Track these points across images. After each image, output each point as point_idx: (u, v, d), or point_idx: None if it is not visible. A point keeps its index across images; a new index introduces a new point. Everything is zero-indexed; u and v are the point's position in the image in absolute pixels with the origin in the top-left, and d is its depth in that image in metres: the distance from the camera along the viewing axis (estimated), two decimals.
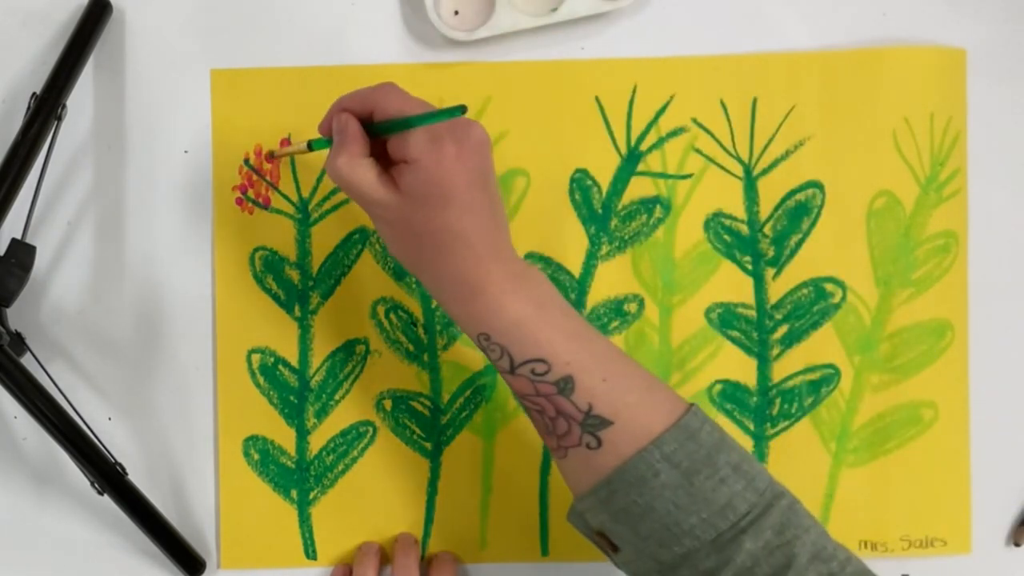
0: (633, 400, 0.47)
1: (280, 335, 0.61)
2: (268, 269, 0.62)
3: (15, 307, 0.57)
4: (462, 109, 0.45)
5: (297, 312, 0.62)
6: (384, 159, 0.49)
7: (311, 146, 0.53)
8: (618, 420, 0.46)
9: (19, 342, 0.59)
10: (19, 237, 0.57)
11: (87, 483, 0.58)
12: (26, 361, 0.58)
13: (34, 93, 0.59)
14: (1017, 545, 0.62)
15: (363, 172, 0.48)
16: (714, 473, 0.45)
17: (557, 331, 0.47)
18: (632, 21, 0.62)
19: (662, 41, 0.62)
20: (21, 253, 0.56)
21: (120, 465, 0.58)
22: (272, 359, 0.61)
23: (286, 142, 0.61)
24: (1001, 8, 0.62)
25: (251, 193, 0.62)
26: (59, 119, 0.58)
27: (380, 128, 0.48)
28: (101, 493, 0.58)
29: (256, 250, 0.62)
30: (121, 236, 0.62)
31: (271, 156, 0.61)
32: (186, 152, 0.62)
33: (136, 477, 0.59)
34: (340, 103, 0.50)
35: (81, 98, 0.61)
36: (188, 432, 0.62)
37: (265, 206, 0.62)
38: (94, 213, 0.62)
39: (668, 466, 0.45)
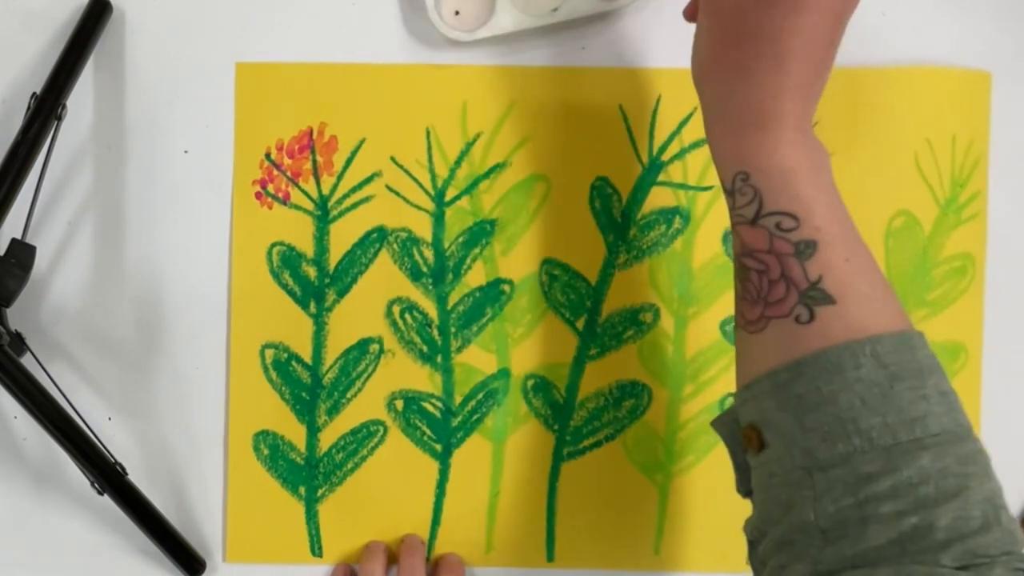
0: (866, 291, 0.42)
1: (295, 331, 0.61)
2: (285, 264, 0.62)
3: (15, 307, 0.57)
4: None
5: (312, 309, 0.62)
6: None
7: None
8: (842, 302, 0.42)
9: (19, 342, 0.58)
10: (19, 237, 0.57)
11: (87, 483, 0.58)
12: (26, 361, 0.57)
13: (34, 93, 0.58)
14: None
15: None
16: (919, 386, 0.41)
17: (822, 195, 0.44)
18: (633, 21, 0.62)
19: (662, 42, 0.62)
20: (21, 253, 0.56)
21: (120, 465, 0.58)
22: (286, 355, 0.61)
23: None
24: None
25: (271, 188, 0.62)
26: (59, 119, 0.58)
27: None
28: (101, 493, 0.57)
29: (274, 245, 0.61)
30: (121, 236, 0.62)
31: None
32: (186, 152, 0.62)
33: (136, 477, 0.59)
34: None
35: (81, 98, 0.61)
36: (189, 431, 0.62)
37: (284, 201, 0.62)
38: (94, 213, 0.62)
39: (874, 363, 0.41)
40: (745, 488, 0.47)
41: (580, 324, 0.62)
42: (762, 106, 0.44)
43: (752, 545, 0.45)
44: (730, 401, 0.61)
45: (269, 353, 0.61)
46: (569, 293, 0.62)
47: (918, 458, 0.40)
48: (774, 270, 0.43)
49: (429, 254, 0.62)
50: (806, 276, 0.43)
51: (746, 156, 0.45)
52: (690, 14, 0.51)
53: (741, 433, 0.45)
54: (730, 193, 0.46)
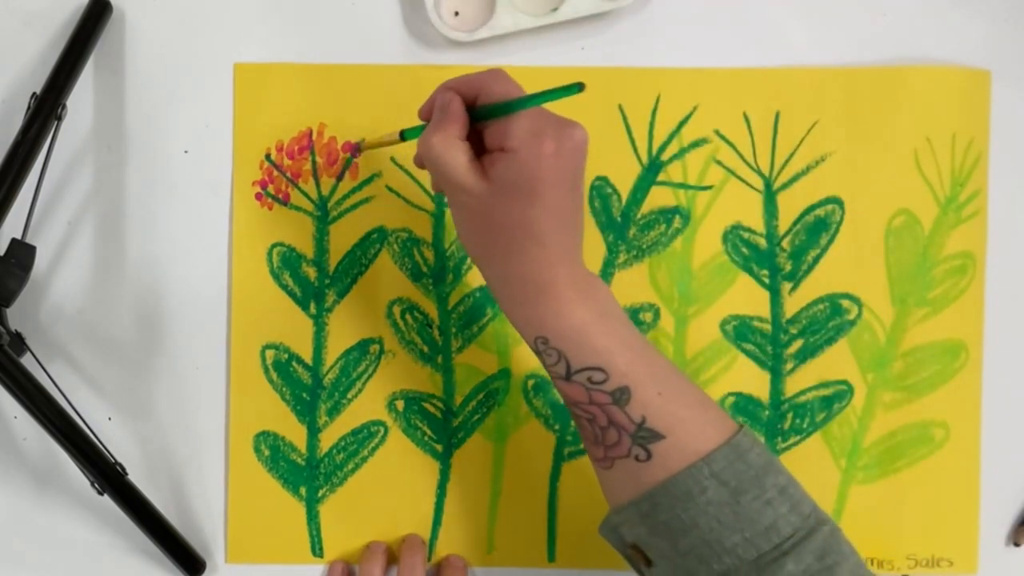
0: (686, 416, 0.47)
1: (295, 332, 0.61)
2: (285, 265, 0.62)
3: (15, 307, 0.57)
4: (580, 86, 0.43)
5: (313, 309, 0.62)
6: (477, 148, 0.48)
7: (403, 136, 0.53)
8: (670, 435, 0.46)
9: (19, 342, 0.58)
10: (19, 237, 0.57)
11: (87, 483, 0.58)
12: (26, 361, 0.57)
13: (34, 93, 0.59)
14: (1017, 545, 0.62)
15: (456, 153, 0.47)
16: (761, 494, 0.45)
17: (617, 341, 0.47)
18: (632, 21, 0.62)
19: (662, 42, 0.62)
20: (21, 253, 0.56)
21: (120, 465, 0.58)
22: (286, 355, 0.61)
23: (349, 145, 0.61)
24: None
25: (271, 188, 0.62)
26: (59, 119, 0.58)
27: (484, 112, 0.47)
28: (101, 493, 0.57)
29: (274, 246, 0.61)
30: (121, 236, 0.62)
31: (357, 150, 0.60)
32: (186, 152, 0.62)
33: (136, 477, 0.59)
34: (445, 84, 0.49)
35: (81, 98, 0.61)
36: (189, 431, 0.62)
37: (284, 202, 0.62)
38: (94, 213, 0.62)
39: (716, 483, 0.45)
40: None
41: None
42: (537, 279, 0.47)
43: None
44: (730, 400, 0.61)
45: (269, 354, 0.61)
46: None
47: (783, 565, 0.44)
48: (601, 418, 0.47)
49: (429, 254, 0.62)
50: (631, 419, 0.46)
51: (539, 323, 0.48)
52: (424, 115, 0.52)
53: (628, 547, 0.49)
54: (537, 353, 0.49)
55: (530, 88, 0.47)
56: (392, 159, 0.61)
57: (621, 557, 0.50)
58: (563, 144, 0.45)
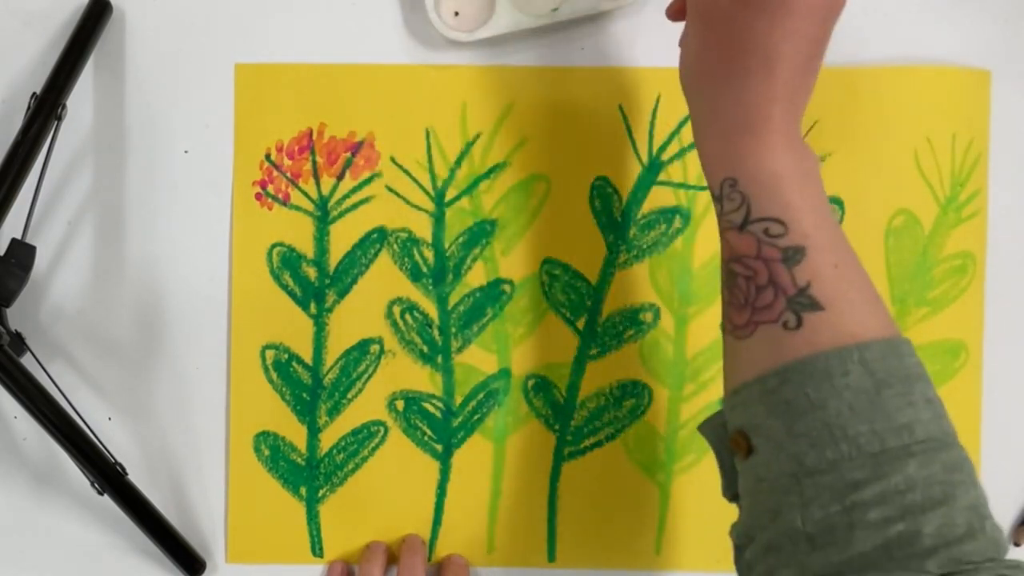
0: (854, 297, 0.43)
1: (295, 332, 0.61)
2: (285, 265, 0.62)
3: (15, 307, 0.57)
4: None
5: (313, 309, 0.62)
6: None
7: None
8: (830, 309, 0.42)
9: (19, 342, 0.58)
10: (19, 237, 0.57)
11: (87, 483, 0.58)
12: (26, 361, 0.57)
13: (34, 93, 0.58)
14: (1017, 545, 0.62)
15: None
16: (907, 393, 0.41)
17: (811, 202, 0.44)
18: (632, 21, 0.62)
19: (662, 41, 0.61)
20: (21, 253, 0.56)
21: (120, 465, 0.58)
22: (286, 355, 0.61)
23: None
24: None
25: (271, 189, 0.62)
26: (59, 119, 0.58)
27: None
28: (101, 493, 0.57)
29: (274, 246, 0.61)
30: (121, 236, 0.62)
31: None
32: (186, 152, 0.62)
33: (136, 477, 0.59)
34: None
35: (81, 98, 0.61)
36: (189, 431, 0.62)
37: (284, 202, 0.62)
38: (94, 213, 0.62)
39: (862, 370, 0.41)
40: (731, 492, 0.46)
41: (580, 324, 0.62)
42: (751, 111, 0.45)
43: (739, 550, 0.45)
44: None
45: (270, 354, 0.61)
46: (569, 293, 0.62)
47: (905, 465, 0.40)
48: (762, 276, 0.44)
49: (429, 254, 0.62)
50: (794, 282, 0.43)
51: (734, 162, 0.45)
52: (673, 13, 0.51)
53: (728, 438, 0.45)
54: (718, 199, 0.46)
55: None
56: (392, 159, 0.61)
57: (714, 453, 0.47)
58: None
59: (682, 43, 0.49)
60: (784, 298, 0.43)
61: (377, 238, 0.62)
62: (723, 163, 0.46)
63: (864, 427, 0.40)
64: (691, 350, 0.62)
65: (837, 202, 0.61)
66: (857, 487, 0.40)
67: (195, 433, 0.62)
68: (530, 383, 0.62)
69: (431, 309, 0.62)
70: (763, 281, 0.43)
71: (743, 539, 0.45)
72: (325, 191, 0.62)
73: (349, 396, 0.62)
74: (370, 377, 0.62)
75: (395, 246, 0.62)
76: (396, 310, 0.62)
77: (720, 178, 0.45)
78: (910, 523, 0.39)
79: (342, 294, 0.62)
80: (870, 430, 0.40)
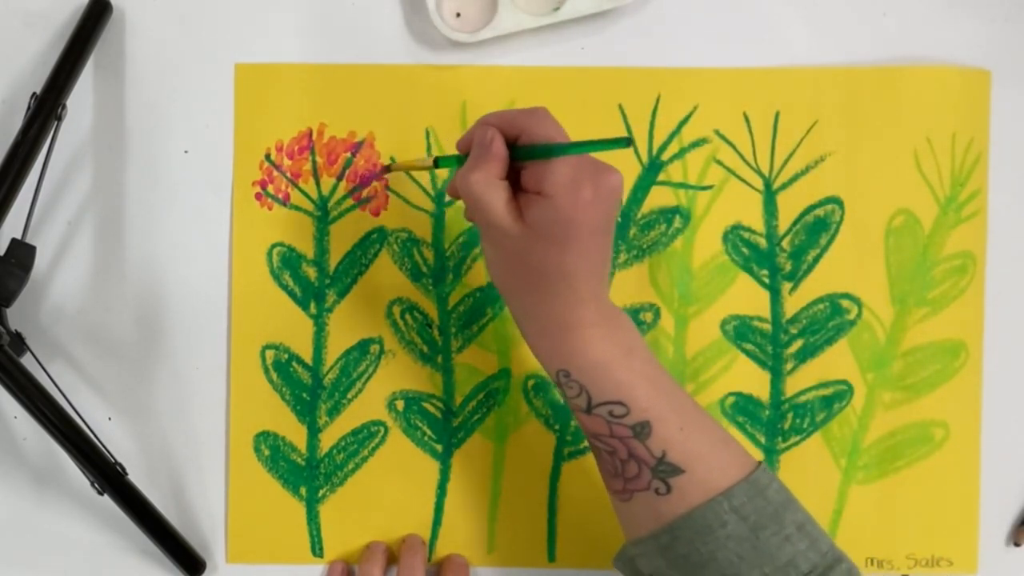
0: (706, 451, 0.47)
1: (295, 332, 0.61)
2: (285, 265, 0.62)
3: (15, 307, 0.57)
4: (628, 141, 0.44)
5: (313, 309, 0.62)
6: (513, 184, 0.48)
7: (437, 163, 0.53)
8: (690, 469, 0.47)
9: (19, 342, 0.58)
10: (19, 237, 0.57)
11: (87, 483, 0.58)
12: (26, 361, 0.57)
13: (34, 93, 0.58)
14: (1017, 545, 0.62)
15: (496, 193, 0.47)
16: (780, 530, 0.46)
17: (640, 376, 0.48)
18: (633, 21, 0.62)
19: (662, 41, 0.62)
20: (21, 253, 0.56)
21: (120, 465, 0.58)
22: (286, 355, 0.61)
23: (379, 167, 0.61)
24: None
25: (271, 189, 0.62)
26: (59, 119, 0.58)
27: (524, 153, 0.47)
28: (101, 493, 0.57)
29: (274, 246, 0.61)
30: (121, 236, 0.62)
31: (387, 169, 0.60)
32: (186, 152, 0.62)
33: (136, 477, 0.59)
34: (488, 118, 0.49)
35: (81, 98, 0.61)
36: (189, 431, 0.62)
37: (284, 202, 0.62)
38: (94, 213, 0.62)
39: (736, 518, 0.45)
40: None
41: None
42: (564, 317, 0.48)
43: None
44: (730, 400, 0.61)
45: (270, 354, 0.61)
46: None
47: None
48: (621, 451, 0.48)
49: (429, 254, 0.62)
50: (651, 454, 0.47)
51: (562, 356, 0.48)
52: (463, 147, 0.51)
53: None
54: (559, 386, 0.49)
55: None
56: (392, 159, 0.61)
57: None
58: (600, 190, 0.46)
59: (485, 257, 0.51)
60: (648, 468, 0.47)
61: (377, 238, 0.62)
62: (552, 358, 0.49)
63: (756, 573, 0.45)
64: (691, 350, 0.62)
65: (837, 202, 0.61)
66: None
67: (195, 433, 0.62)
68: (530, 383, 0.62)
69: (431, 309, 0.62)
70: (624, 455, 0.48)
71: None
72: (325, 191, 0.62)
73: (349, 396, 0.62)
74: (370, 377, 0.62)
75: (395, 246, 0.62)
76: (396, 310, 0.62)
77: (554, 370, 0.49)
78: None
79: (342, 294, 0.62)
80: (762, 574, 0.45)
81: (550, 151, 0.46)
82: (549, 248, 0.46)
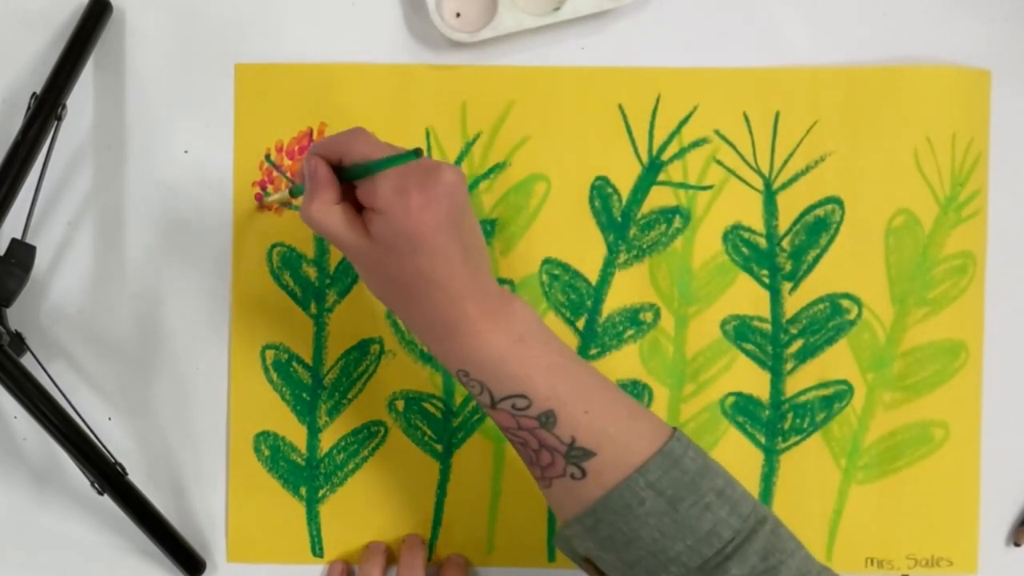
0: (615, 430, 0.47)
1: (295, 332, 0.61)
2: (285, 266, 0.62)
3: (15, 307, 0.57)
4: (417, 153, 0.45)
5: (313, 309, 0.62)
6: (354, 205, 0.49)
7: (292, 192, 0.54)
8: (601, 451, 0.47)
9: (19, 342, 0.58)
10: (19, 237, 0.57)
11: (87, 483, 0.58)
12: (26, 361, 0.57)
13: (34, 93, 0.58)
14: (1017, 545, 0.62)
15: (334, 218, 0.48)
16: (699, 500, 0.46)
17: (536, 366, 0.47)
18: (633, 21, 0.62)
19: (662, 41, 0.62)
20: (21, 253, 0.56)
21: (120, 465, 0.58)
22: (286, 356, 0.61)
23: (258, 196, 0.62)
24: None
25: (271, 189, 0.62)
26: (59, 119, 0.58)
27: (348, 174, 0.48)
28: (101, 493, 0.57)
29: (274, 246, 0.61)
30: (121, 236, 0.62)
31: (261, 204, 0.61)
32: (186, 152, 0.62)
33: (136, 477, 0.59)
34: (313, 148, 0.50)
35: (81, 98, 0.61)
36: (189, 431, 0.62)
37: (285, 203, 0.62)
38: (94, 213, 0.62)
39: (653, 494, 0.46)
40: None
41: (580, 324, 0.62)
42: (442, 318, 0.48)
43: None
44: (730, 400, 0.61)
45: (270, 354, 0.61)
46: (569, 293, 0.62)
47: (727, 570, 0.45)
48: (532, 442, 0.48)
49: None
50: (560, 441, 0.47)
51: (456, 357, 0.48)
52: (299, 177, 0.51)
53: (579, 559, 0.50)
54: (462, 384, 0.49)
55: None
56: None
57: (577, 566, 0.51)
58: (430, 193, 0.46)
59: (356, 267, 0.51)
60: (560, 455, 0.47)
61: None
62: (448, 360, 0.49)
63: (680, 546, 0.45)
64: (691, 350, 0.62)
65: (837, 202, 0.61)
66: None
67: (195, 433, 0.62)
68: None
69: None
70: (535, 446, 0.48)
71: None
72: None
73: (349, 396, 0.62)
74: (370, 377, 0.62)
75: None
76: None
77: (454, 370, 0.49)
78: None
79: (342, 294, 0.62)
80: (686, 547, 0.45)
81: (364, 170, 0.47)
82: (399, 258, 0.47)
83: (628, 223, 0.62)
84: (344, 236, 0.48)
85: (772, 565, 0.45)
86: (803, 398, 0.62)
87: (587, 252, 0.62)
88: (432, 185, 0.46)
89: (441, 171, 0.47)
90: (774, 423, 0.62)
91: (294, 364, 0.61)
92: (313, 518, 0.62)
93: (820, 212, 0.61)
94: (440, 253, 0.46)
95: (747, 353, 0.62)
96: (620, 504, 0.46)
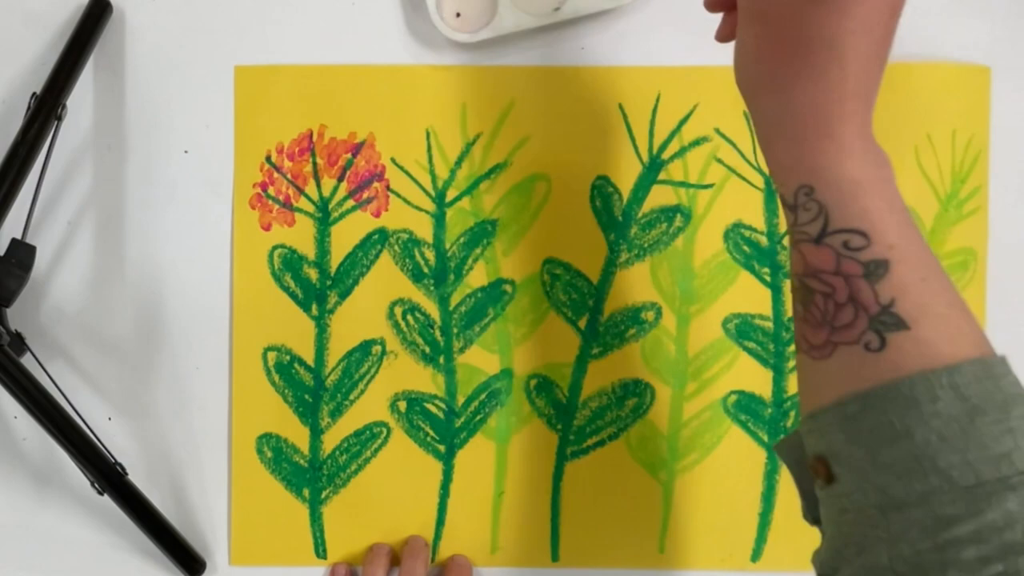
0: (943, 313, 0.39)
1: (297, 333, 0.61)
2: (287, 267, 0.61)
3: (15, 307, 0.57)
4: None
5: (314, 311, 0.61)
6: None
7: None
8: (916, 328, 0.38)
9: (19, 342, 0.58)
10: (19, 237, 0.57)
11: (87, 483, 0.58)
12: (26, 361, 0.57)
13: (34, 93, 0.58)
14: None
15: None
16: (1004, 419, 0.37)
17: (891, 208, 0.40)
18: (633, 20, 0.62)
19: (662, 40, 0.62)
20: (21, 253, 0.56)
21: (120, 465, 0.58)
22: (288, 357, 0.61)
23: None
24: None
25: (271, 191, 0.61)
26: (59, 119, 0.58)
27: None
28: (101, 493, 0.57)
29: (275, 248, 0.61)
30: (121, 236, 0.62)
31: None
32: (186, 152, 0.62)
33: (136, 477, 0.59)
34: None
35: (81, 98, 0.61)
36: (189, 431, 0.62)
37: (286, 204, 0.61)
38: (94, 213, 0.62)
39: (953, 396, 0.37)
40: (812, 516, 0.44)
41: (582, 323, 0.62)
42: (826, 113, 0.41)
43: None
44: (733, 399, 0.61)
45: (271, 356, 0.61)
46: (571, 292, 0.62)
47: (1003, 500, 0.36)
48: (841, 293, 0.40)
49: (430, 255, 0.62)
50: (877, 299, 0.39)
51: (810, 168, 0.41)
52: (724, 35, 0.48)
53: (807, 462, 0.42)
54: (792, 208, 0.42)
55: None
56: (392, 160, 0.61)
57: (792, 475, 0.45)
58: None
59: (736, 44, 0.45)
60: (866, 317, 0.40)
61: (378, 239, 0.61)
62: (797, 171, 0.42)
63: (956, 458, 0.37)
64: (693, 348, 0.62)
65: None
66: (950, 523, 0.37)
67: (195, 433, 0.62)
68: (532, 383, 0.62)
69: (433, 310, 0.62)
70: (843, 298, 0.40)
71: (826, 569, 0.41)
72: (326, 192, 0.61)
73: (351, 397, 0.62)
74: (372, 378, 0.62)
75: (396, 247, 0.62)
76: (398, 311, 0.62)
77: (794, 187, 0.42)
78: (1011, 563, 0.35)
79: (344, 295, 0.62)
80: (963, 461, 0.37)
81: None
82: (827, 12, 0.40)
83: (629, 222, 0.62)
84: None
85: None
86: None
87: (588, 252, 0.61)
88: None
89: None
90: (776, 421, 0.62)
91: (296, 366, 0.61)
92: (316, 520, 0.62)
93: None
94: (870, 26, 0.41)
95: (749, 351, 0.62)
96: (907, 395, 0.38)
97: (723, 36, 0.49)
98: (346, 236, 0.61)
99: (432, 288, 0.62)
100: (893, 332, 0.39)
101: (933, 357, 0.38)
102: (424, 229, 0.62)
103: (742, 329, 0.61)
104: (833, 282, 0.40)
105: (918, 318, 0.39)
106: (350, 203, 0.61)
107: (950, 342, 0.39)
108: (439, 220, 0.62)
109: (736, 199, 0.61)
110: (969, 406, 0.37)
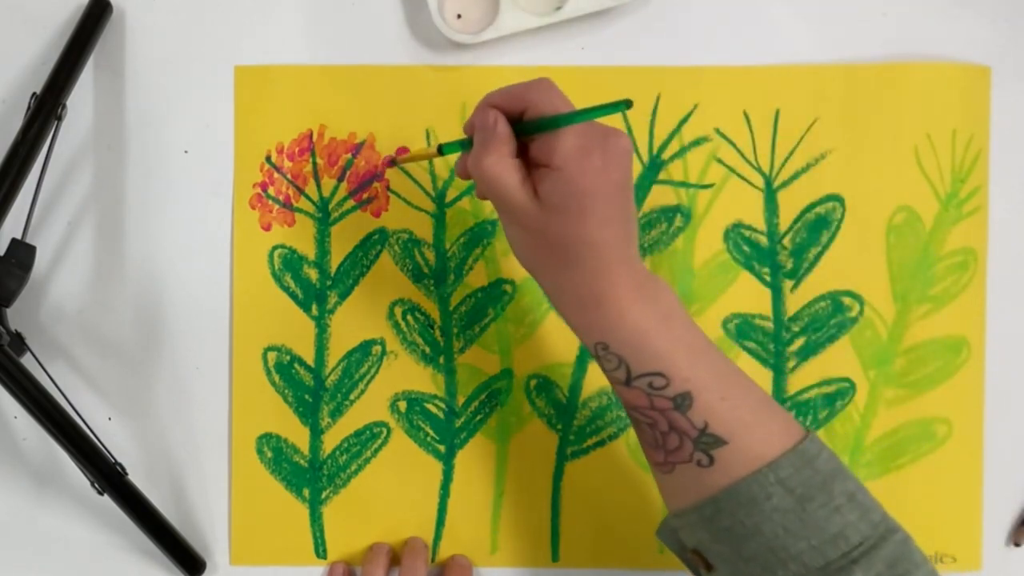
0: (751, 421, 0.45)
1: (297, 333, 0.61)
2: (287, 267, 0.61)
3: (15, 307, 0.57)
4: (628, 104, 0.43)
5: (314, 311, 0.62)
6: (523, 162, 0.47)
7: (441, 150, 0.51)
8: (733, 440, 0.45)
9: (19, 342, 0.58)
10: (19, 237, 0.57)
11: (87, 483, 0.58)
12: (26, 361, 0.57)
13: (34, 93, 0.58)
14: (1017, 545, 0.62)
15: (510, 174, 0.46)
16: (829, 501, 0.44)
17: (679, 345, 0.46)
18: (633, 20, 0.62)
19: (662, 41, 0.62)
20: (21, 253, 0.56)
21: (120, 465, 0.58)
22: (288, 357, 0.61)
23: (403, 150, 0.61)
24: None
25: (271, 191, 0.61)
26: (59, 119, 0.58)
27: (530, 127, 0.46)
28: (101, 493, 0.58)
29: (275, 248, 0.61)
30: (121, 236, 0.62)
31: (391, 163, 0.60)
32: (186, 152, 0.62)
33: (136, 477, 0.59)
34: (488, 99, 0.48)
35: (81, 98, 0.61)
36: (189, 431, 0.62)
37: (286, 204, 0.61)
38: (94, 213, 0.62)
39: (782, 490, 0.44)
40: None
41: None
42: (593, 288, 0.46)
43: None
44: None
45: (271, 356, 0.61)
46: None
47: (851, 574, 0.43)
48: (662, 423, 0.46)
49: (430, 255, 0.62)
50: (693, 425, 0.45)
51: (599, 329, 0.46)
52: (460, 173, 0.51)
53: (686, 553, 0.48)
54: (597, 359, 0.47)
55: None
56: (393, 160, 0.61)
57: (679, 557, 0.50)
58: (609, 156, 0.45)
59: (507, 237, 0.49)
60: (689, 440, 0.45)
61: (378, 239, 0.61)
62: (589, 332, 0.47)
63: (803, 544, 0.43)
64: None
65: (838, 199, 0.61)
66: None
67: (195, 433, 0.62)
68: (532, 383, 0.62)
69: (433, 310, 0.62)
70: (665, 428, 0.46)
71: None
72: (326, 192, 0.61)
73: (351, 397, 0.62)
74: (372, 378, 0.62)
75: (396, 247, 0.62)
76: (398, 311, 0.62)
77: (592, 343, 0.47)
78: None
79: (344, 295, 0.62)
80: (809, 547, 0.43)
81: (554, 123, 0.45)
82: (568, 221, 0.45)
83: None
84: (515, 193, 0.46)
85: (899, 574, 0.43)
86: (805, 396, 0.62)
87: None
88: (612, 148, 0.45)
89: (619, 135, 0.46)
90: None
91: (296, 366, 0.61)
92: (316, 520, 0.62)
93: (821, 210, 0.61)
94: (607, 219, 0.45)
95: (749, 351, 0.62)
96: (746, 496, 0.44)
97: (460, 173, 0.52)
98: (346, 236, 0.61)
99: (432, 288, 0.62)
100: (716, 449, 0.45)
101: (756, 459, 0.44)
102: (424, 229, 0.62)
103: (742, 329, 0.61)
104: (652, 416, 0.46)
105: (732, 431, 0.45)
106: (350, 203, 0.61)
107: (764, 442, 0.45)
108: (439, 220, 0.62)
109: (736, 199, 0.61)
110: (797, 496, 0.44)
